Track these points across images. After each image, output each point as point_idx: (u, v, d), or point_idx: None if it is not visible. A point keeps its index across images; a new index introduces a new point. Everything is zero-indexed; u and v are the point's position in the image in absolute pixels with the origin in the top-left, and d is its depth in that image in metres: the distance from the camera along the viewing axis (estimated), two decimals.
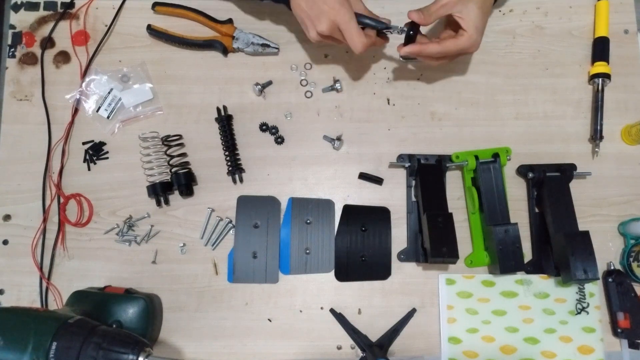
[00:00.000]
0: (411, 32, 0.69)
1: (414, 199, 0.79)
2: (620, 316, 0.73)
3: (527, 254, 0.77)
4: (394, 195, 0.79)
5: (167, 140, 0.79)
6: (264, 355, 0.74)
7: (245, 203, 0.78)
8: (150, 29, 0.82)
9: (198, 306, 0.75)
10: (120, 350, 0.54)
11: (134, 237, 0.77)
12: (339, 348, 0.74)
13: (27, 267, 0.76)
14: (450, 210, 0.74)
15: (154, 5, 0.83)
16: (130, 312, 0.68)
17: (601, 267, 0.76)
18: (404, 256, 0.77)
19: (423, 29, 0.72)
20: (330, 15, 0.66)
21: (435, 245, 0.70)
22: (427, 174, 0.77)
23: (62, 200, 0.78)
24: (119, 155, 0.80)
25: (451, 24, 0.73)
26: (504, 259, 0.72)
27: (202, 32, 0.83)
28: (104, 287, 0.73)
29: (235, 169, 0.78)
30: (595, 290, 0.75)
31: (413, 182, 0.79)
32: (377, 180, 0.79)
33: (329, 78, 0.83)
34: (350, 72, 0.83)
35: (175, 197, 0.79)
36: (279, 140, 0.81)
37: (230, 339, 0.74)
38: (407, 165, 0.79)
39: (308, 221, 0.78)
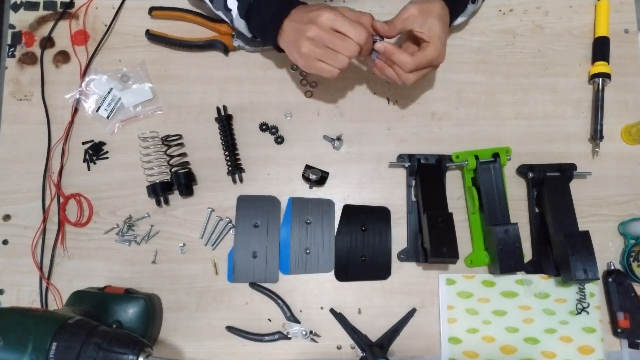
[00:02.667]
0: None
1: (414, 198, 0.79)
2: (620, 316, 0.73)
3: (527, 254, 0.77)
4: (394, 195, 0.79)
5: (167, 140, 0.79)
6: (264, 355, 0.74)
7: (245, 203, 0.78)
8: (149, 34, 0.82)
9: (198, 306, 0.75)
10: (120, 350, 0.54)
11: (134, 237, 0.77)
12: (339, 348, 0.74)
13: (27, 267, 0.76)
14: (450, 210, 0.74)
15: (151, 10, 0.83)
16: (130, 312, 0.68)
17: (601, 267, 0.76)
18: (404, 256, 0.77)
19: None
20: (317, 16, 0.62)
21: (435, 245, 0.70)
22: (427, 174, 0.77)
23: (62, 200, 0.78)
24: (119, 155, 0.80)
25: (411, 39, 0.71)
26: (504, 259, 0.72)
27: (202, 32, 0.83)
28: (104, 287, 0.72)
29: (235, 168, 0.78)
30: (595, 290, 0.75)
31: (413, 182, 0.79)
32: (322, 178, 0.78)
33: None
34: (350, 71, 0.83)
35: (175, 197, 0.79)
36: (279, 140, 0.81)
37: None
38: (407, 165, 0.79)
39: (308, 221, 0.78)
